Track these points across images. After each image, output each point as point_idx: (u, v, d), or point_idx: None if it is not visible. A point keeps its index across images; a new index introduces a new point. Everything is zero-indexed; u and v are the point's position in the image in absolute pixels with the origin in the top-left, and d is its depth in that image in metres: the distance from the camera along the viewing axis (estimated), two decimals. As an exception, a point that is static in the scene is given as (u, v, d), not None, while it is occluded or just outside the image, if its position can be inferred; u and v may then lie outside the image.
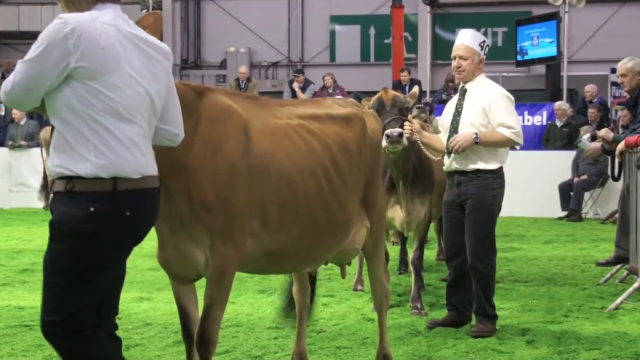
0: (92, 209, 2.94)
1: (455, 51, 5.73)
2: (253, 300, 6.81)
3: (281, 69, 22.03)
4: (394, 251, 8.21)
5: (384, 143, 5.88)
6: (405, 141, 5.86)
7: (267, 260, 3.93)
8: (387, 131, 5.83)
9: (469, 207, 5.65)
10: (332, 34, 21.70)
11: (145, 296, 6.99)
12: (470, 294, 5.79)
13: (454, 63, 5.75)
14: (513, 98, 5.71)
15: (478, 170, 5.64)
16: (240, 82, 17.26)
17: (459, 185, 5.69)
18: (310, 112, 4.27)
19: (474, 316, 5.80)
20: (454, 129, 5.70)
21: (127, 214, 3.01)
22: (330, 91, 16.65)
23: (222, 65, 21.88)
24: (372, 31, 21.37)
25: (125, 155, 2.99)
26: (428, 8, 19.98)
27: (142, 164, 3.06)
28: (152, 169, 3.13)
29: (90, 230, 2.96)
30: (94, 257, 3.00)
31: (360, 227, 4.52)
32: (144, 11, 18.56)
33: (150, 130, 3.15)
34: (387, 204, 6.51)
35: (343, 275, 4.97)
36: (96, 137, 2.94)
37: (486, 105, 5.58)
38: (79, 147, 2.94)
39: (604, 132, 7.47)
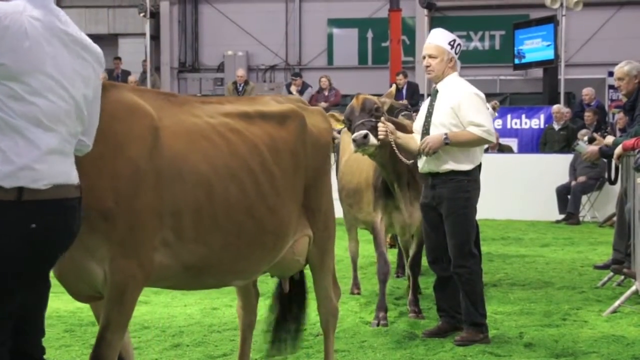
0: None
1: (425, 50, 5.70)
2: (250, 304, 6.78)
3: (279, 72, 22.08)
4: (391, 254, 8.19)
5: (352, 148, 5.80)
6: (373, 141, 5.64)
7: (187, 274, 3.56)
8: (352, 136, 5.74)
9: (444, 211, 5.58)
10: (330, 37, 21.74)
11: (143, 299, 6.92)
12: (458, 297, 5.76)
13: (424, 62, 5.72)
14: (483, 95, 5.58)
15: (451, 172, 5.54)
16: (238, 85, 17.25)
17: (434, 188, 5.61)
18: (239, 110, 3.90)
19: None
20: (425, 130, 5.61)
21: (33, 226, 2.69)
22: (326, 93, 16.71)
23: (220, 68, 21.92)
24: (369, 34, 21.42)
25: (37, 164, 2.68)
26: (426, 11, 20.00)
27: (59, 173, 2.77)
28: (72, 178, 2.85)
29: None
30: None
31: (301, 237, 4.16)
32: (141, 14, 18.51)
33: (72, 138, 2.86)
34: (382, 208, 6.32)
35: (285, 289, 4.61)
36: (7, 143, 2.64)
37: (455, 105, 5.49)
38: None
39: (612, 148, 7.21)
